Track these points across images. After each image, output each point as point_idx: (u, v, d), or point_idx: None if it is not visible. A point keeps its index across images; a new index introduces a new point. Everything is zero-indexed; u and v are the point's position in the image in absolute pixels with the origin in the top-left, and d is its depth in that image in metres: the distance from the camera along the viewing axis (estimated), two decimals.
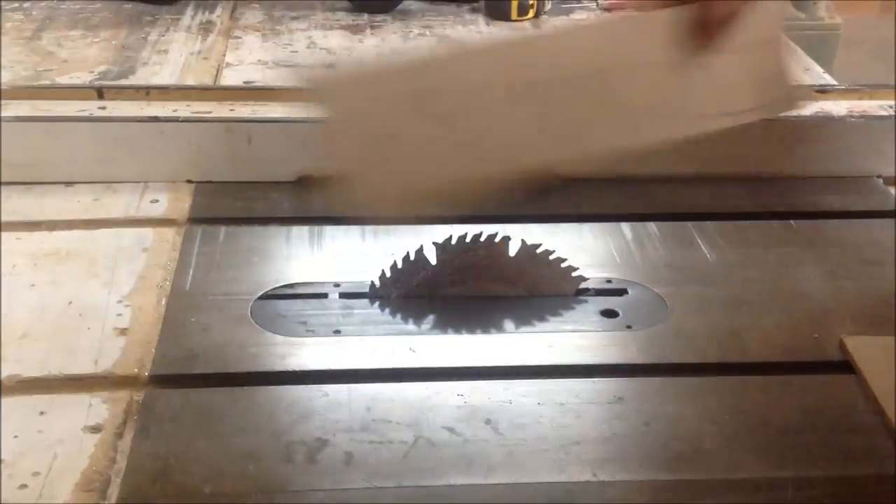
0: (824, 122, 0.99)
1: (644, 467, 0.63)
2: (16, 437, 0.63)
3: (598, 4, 1.46)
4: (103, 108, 0.96)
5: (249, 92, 1.01)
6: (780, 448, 0.65)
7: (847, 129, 0.99)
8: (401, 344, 0.74)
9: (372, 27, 1.37)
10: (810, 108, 1.02)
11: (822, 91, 1.06)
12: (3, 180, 0.91)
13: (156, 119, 0.93)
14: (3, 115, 0.94)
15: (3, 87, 1.00)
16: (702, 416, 0.68)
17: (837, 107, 1.02)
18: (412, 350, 0.73)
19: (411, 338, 0.75)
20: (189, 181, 0.94)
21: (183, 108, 0.96)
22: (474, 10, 1.43)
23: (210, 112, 0.96)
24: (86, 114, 0.94)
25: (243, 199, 0.92)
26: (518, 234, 0.85)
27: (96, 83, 1.08)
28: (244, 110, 0.97)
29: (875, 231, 0.90)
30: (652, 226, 0.91)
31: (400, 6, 1.42)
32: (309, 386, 0.69)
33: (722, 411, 0.68)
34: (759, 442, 0.65)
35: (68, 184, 0.92)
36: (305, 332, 0.75)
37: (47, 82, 1.10)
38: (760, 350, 0.74)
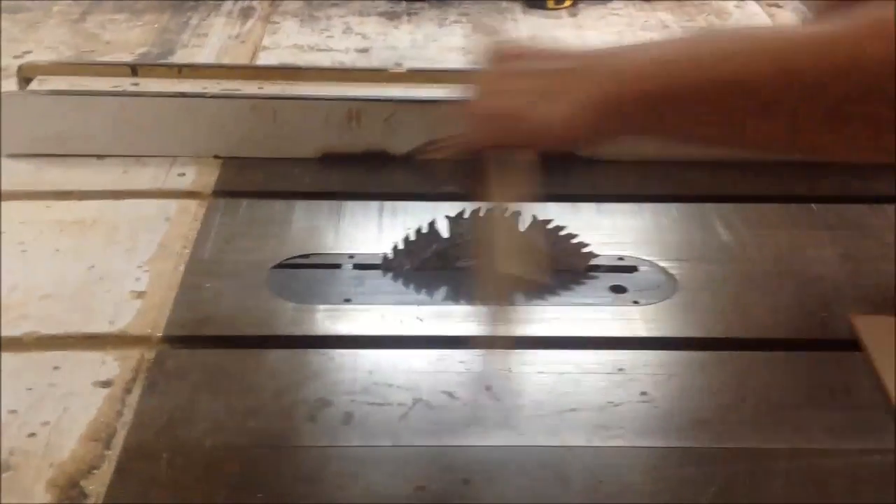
0: None
1: (637, 435, 0.64)
2: (29, 389, 0.66)
3: None
4: (136, 84, 0.99)
5: (278, 71, 1.03)
6: (777, 420, 0.65)
7: None
8: (409, 313, 0.75)
9: (409, 14, 1.38)
10: None
11: None
12: (38, 152, 0.94)
13: (184, 95, 0.95)
14: (39, 89, 0.97)
15: (44, 63, 1.03)
16: (700, 388, 0.68)
17: None
18: (419, 319, 0.75)
19: (420, 308, 0.76)
20: (216, 156, 0.96)
21: (212, 86, 0.99)
22: None
23: (238, 90, 0.98)
24: (118, 89, 0.97)
25: (267, 174, 0.94)
26: (535, 212, 0.87)
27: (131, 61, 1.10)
28: (272, 88, 0.99)
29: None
30: (671, 207, 0.91)
31: None
32: (316, 350, 0.71)
33: (721, 385, 0.68)
34: (755, 414, 0.66)
35: (99, 157, 0.95)
36: (317, 300, 0.76)
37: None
38: (766, 327, 0.74)
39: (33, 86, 0.99)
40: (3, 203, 0.87)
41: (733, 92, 0.58)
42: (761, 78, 0.58)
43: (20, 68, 1.00)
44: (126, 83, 0.99)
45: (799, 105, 0.58)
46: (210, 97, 0.96)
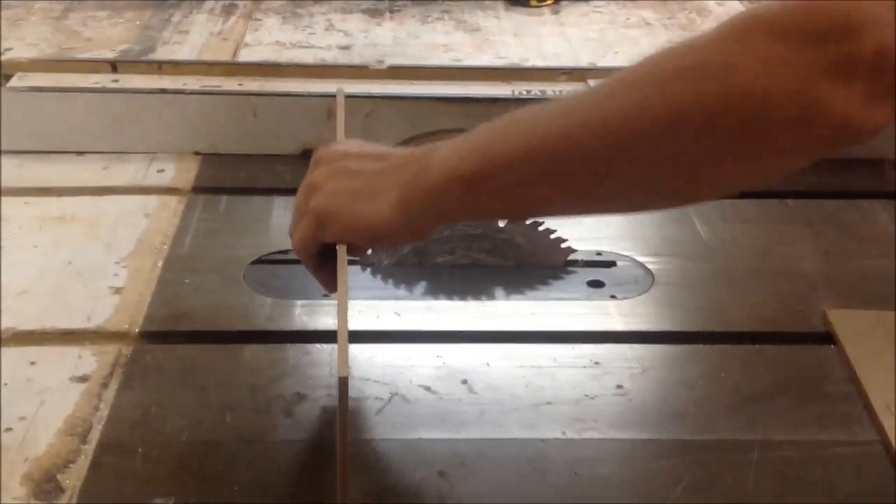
0: None
1: (612, 427, 0.64)
2: (6, 384, 0.66)
3: None
4: (116, 80, 0.99)
5: (258, 67, 1.03)
6: (751, 412, 0.65)
7: None
8: (386, 308, 0.75)
9: (392, 11, 1.38)
10: None
11: None
12: (18, 149, 0.94)
13: (164, 91, 0.95)
14: (19, 85, 0.97)
15: (24, 60, 1.03)
16: (675, 381, 0.69)
17: None
18: (397, 314, 0.75)
19: (398, 302, 0.76)
20: (196, 153, 0.96)
21: (193, 83, 0.99)
22: None
23: (218, 86, 0.98)
24: (98, 86, 0.97)
25: (248, 170, 0.95)
26: None
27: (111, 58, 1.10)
28: (252, 85, 0.99)
29: (874, 211, 0.90)
30: None
31: None
32: (293, 345, 0.71)
33: (696, 377, 0.69)
34: (729, 406, 0.66)
35: (80, 153, 0.95)
36: (295, 296, 0.76)
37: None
38: (742, 321, 0.74)
39: (13, 82, 0.99)
40: None
41: (533, 160, 0.57)
42: (548, 147, 0.56)
43: (0, 65, 1.00)
44: (106, 79, 0.99)
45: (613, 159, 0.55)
46: (190, 93, 0.96)
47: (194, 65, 1.03)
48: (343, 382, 0.52)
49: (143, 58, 1.12)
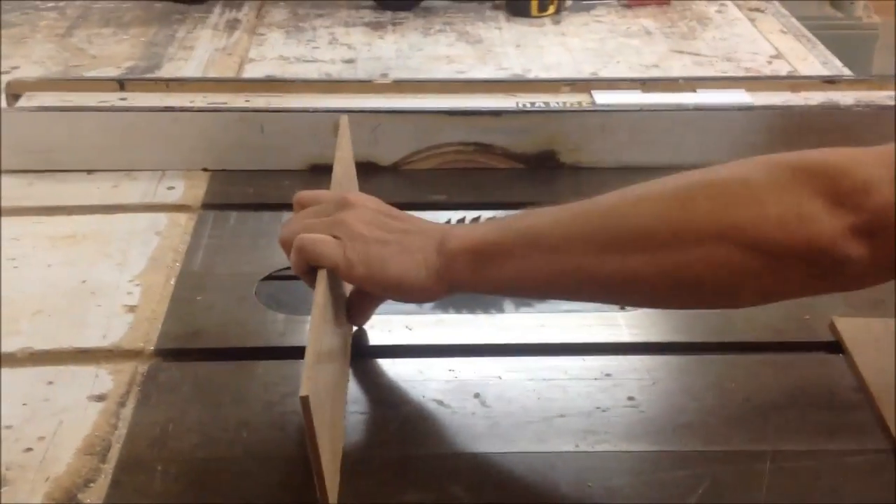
0: (831, 111, 1.00)
1: (625, 439, 0.65)
2: (24, 404, 0.67)
3: (618, 0, 1.47)
4: (124, 99, 1.00)
5: (264, 84, 1.04)
6: (761, 422, 0.66)
7: (853, 119, 0.99)
8: (398, 323, 0.76)
9: (394, 24, 1.39)
10: (817, 98, 1.03)
11: (831, 81, 1.06)
12: (28, 168, 0.95)
13: (171, 109, 0.96)
14: (27, 105, 0.98)
15: (31, 80, 1.04)
16: (685, 392, 0.69)
17: (845, 97, 1.03)
18: (408, 328, 0.76)
19: (408, 317, 0.77)
20: (205, 169, 0.97)
21: (200, 100, 1.00)
22: (496, 7, 1.45)
23: (225, 103, 0.99)
24: (107, 104, 0.98)
25: (256, 186, 0.95)
26: None
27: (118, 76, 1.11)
28: (258, 101, 1.00)
29: None
30: None
31: (423, 3, 1.44)
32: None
33: (705, 388, 0.69)
34: (739, 416, 0.67)
35: (89, 171, 0.96)
36: (306, 311, 0.77)
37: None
38: (749, 331, 0.75)
39: (22, 102, 1.00)
40: None
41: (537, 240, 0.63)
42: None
43: (8, 85, 1.01)
44: (114, 98, 1.00)
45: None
46: (198, 111, 0.97)
47: (201, 82, 1.04)
48: (304, 402, 0.53)
49: (151, 76, 1.13)
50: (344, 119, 0.81)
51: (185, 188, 0.94)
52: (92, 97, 1.00)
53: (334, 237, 0.66)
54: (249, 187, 0.95)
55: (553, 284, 0.64)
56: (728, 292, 0.61)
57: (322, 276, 0.64)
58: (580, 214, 0.64)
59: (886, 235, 0.56)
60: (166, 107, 0.97)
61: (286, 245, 0.68)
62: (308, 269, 0.66)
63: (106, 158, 0.96)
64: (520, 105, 1.02)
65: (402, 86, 1.04)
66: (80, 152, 0.96)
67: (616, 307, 0.78)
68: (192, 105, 0.98)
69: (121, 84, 1.02)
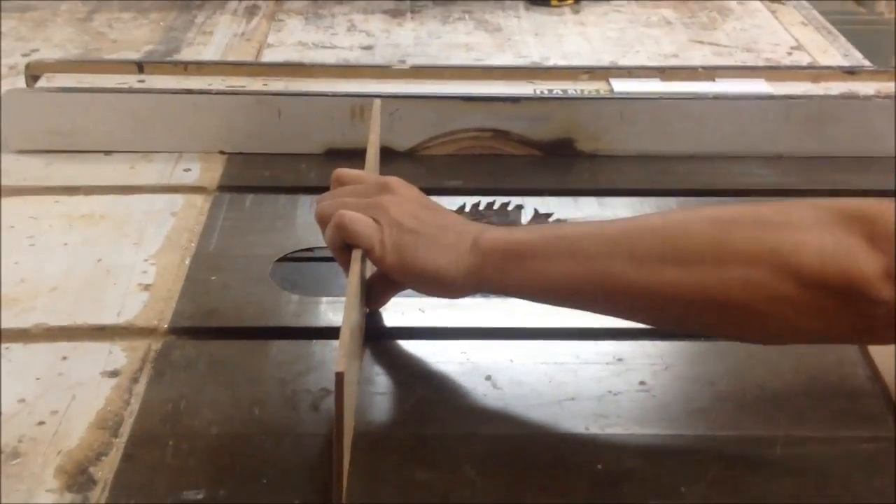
0: (850, 101, 0.99)
1: (636, 423, 0.65)
2: (38, 379, 0.67)
3: None
4: (142, 81, 1.00)
5: (282, 68, 1.04)
6: (773, 408, 0.66)
7: (874, 109, 0.99)
8: (411, 305, 0.76)
9: (413, 12, 1.39)
10: (837, 89, 1.03)
11: (852, 73, 1.06)
12: (47, 148, 0.96)
13: (189, 92, 0.96)
14: (47, 86, 0.99)
15: (51, 61, 1.04)
16: (698, 377, 0.69)
17: (866, 88, 1.02)
18: (421, 311, 0.76)
19: (421, 299, 0.76)
20: (221, 152, 0.97)
21: (218, 83, 1.00)
22: None
23: (243, 86, 0.99)
24: (125, 86, 0.98)
25: (272, 169, 0.96)
26: (536, 206, 0.88)
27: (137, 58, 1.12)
28: (277, 85, 1.00)
29: None
30: (671, 201, 0.92)
31: None
32: (319, 341, 0.72)
33: (719, 374, 0.69)
34: (752, 402, 0.67)
35: (107, 152, 0.96)
36: (320, 292, 0.77)
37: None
38: None
39: (41, 83, 1.00)
40: (13, 198, 0.88)
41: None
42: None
43: (28, 66, 1.02)
44: (133, 80, 1.00)
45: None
46: (215, 94, 0.97)
47: (219, 65, 1.04)
48: (339, 378, 0.53)
49: (169, 58, 1.14)
50: (377, 103, 0.81)
51: (202, 170, 0.94)
52: (111, 79, 1.00)
53: (373, 220, 0.66)
54: (266, 170, 0.95)
55: (583, 291, 0.64)
56: (758, 320, 0.60)
57: (357, 256, 0.65)
58: (621, 228, 0.64)
59: None
60: (184, 89, 0.97)
61: (323, 219, 0.68)
62: (342, 246, 0.67)
63: (123, 140, 0.96)
64: (537, 92, 1.02)
65: (419, 72, 1.04)
66: (97, 133, 0.96)
67: None
68: (210, 88, 0.98)
69: (139, 66, 1.02)
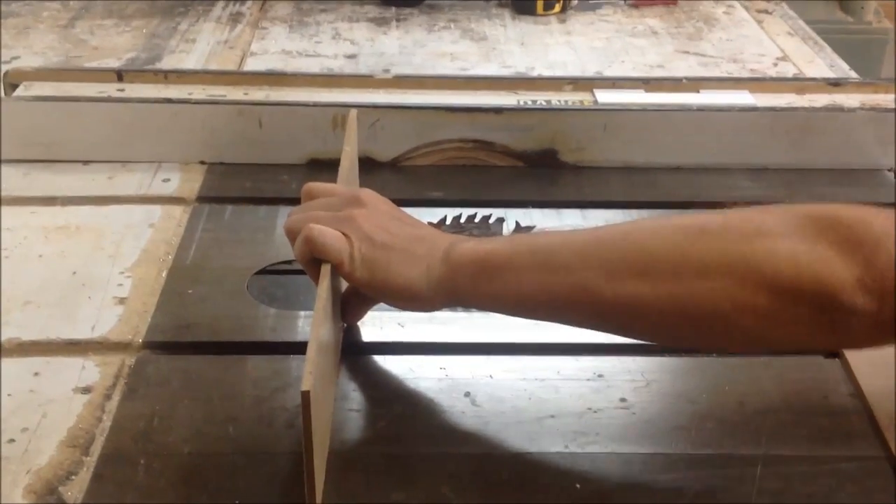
0: (835, 114, 0.99)
1: (616, 441, 0.64)
2: (9, 395, 0.66)
3: (625, 0, 1.46)
4: (122, 90, 0.99)
5: (264, 77, 1.03)
6: (755, 427, 0.65)
7: (858, 122, 0.98)
8: (390, 319, 0.75)
9: (398, 20, 1.39)
10: (822, 101, 1.02)
11: (836, 84, 1.05)
12: (24, 158, 0.95)
13: (169, 101, 0.95)
14: (25, 95, 0.97)
15: (29, 70, 1.03)
16: (679, 394, 0.68)
17: (850, 100, 1.02)
18: (400, 325, 0.75)
19: (400, 314, 0.76)
20: (202, 162, 0.96)
21: (198, 92, 0.99)
22: (501, 5, 1.44)
23: (224, 96, 0.98)
24: (104, 95, 0.97)
25: (253, 180, 0.94)
26: (518, 218, 0.87)
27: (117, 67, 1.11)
28: (257, 94, 0.99)
29: None
30: (655, 213, 0.92)
31: (427, 0, 1.44)
32: (296, 356, 0.71)
33: (699, 391, 0.68)
34: (733, 420, 0.66)
35: (85, 162, 0.95)
36: (298, 306, 0.76)
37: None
38: None
39: (19, 92, 0.99)
40: None
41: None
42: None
43: (6, 74, 1.01)
44: (112, 89, 0.99)
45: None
46: (196, 103, 0.96)
47: (200, 74, 1.03)
48: (305, 397, 0.52)
49: (149, 67, 1.13)
50: (353, 113, 0.80)
51: (181, 181, 0.93)
52: (90, 88, 0.99)
53: (343, 234, 0.65)
54: (246, 181, 0.94)
55: (556, 304, 0.63)
56: (730, 330, 0.59)
57: (326, 271, 0.64)
58: (592, 239, 0.63)
59: (892, 296, 0.56)
60: (164, 98, 0.96)
61: (291, 233, 0.68)
62: (311, 260, 0.66)
63: (102, 149, 0.95)
64: (521, 103, 1.01)
65: (402, 81, 1.03)
66: (76, 143, 0.95)
67: None
68: (190, 97, 0.97)
69: (119, 75, 1.01)
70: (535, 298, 0.63)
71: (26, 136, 0.95)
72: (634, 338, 0.66)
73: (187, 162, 0.96)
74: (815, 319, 0.57)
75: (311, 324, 0.58)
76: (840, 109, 0.99)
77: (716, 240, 0.60)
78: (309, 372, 0.54)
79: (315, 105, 0.96)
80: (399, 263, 0.65)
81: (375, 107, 0.96)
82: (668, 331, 0.62)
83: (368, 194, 0.69)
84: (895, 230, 0.57)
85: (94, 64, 1.17)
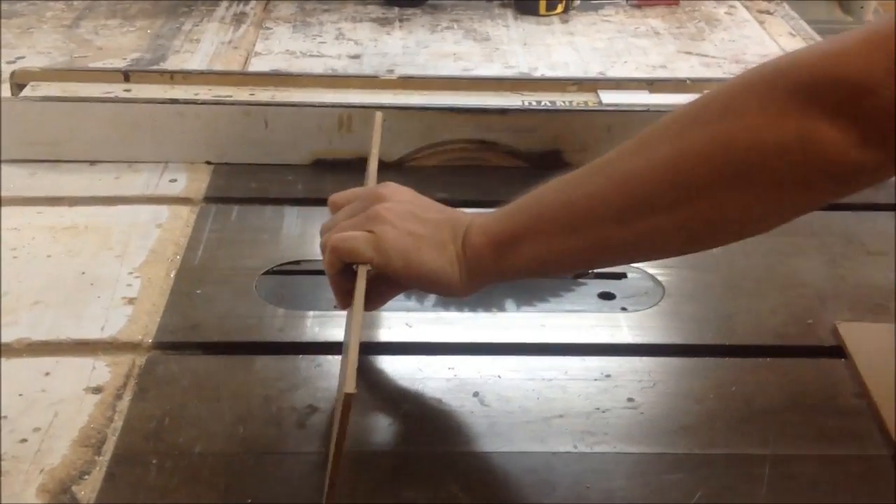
0: None
1: (623, 440, 0.64)
2: (20, 395, 0.66)
3: (627, 1, 1.47)
4: (128, 90, 0.99)
5: (269, 77, 1.04)
6: (762, 426, 0.66)
7: None
8: (398, 320, 0.76)
9: (401, 20, 1.39)
10: None
11: None
12: (31, 158, 0.95)
13: (176, 101, 0.96)
14: (32, 95, 0.98)
15: (36, 70, 1.03)
16: (686, 394, 0.69)
17: None
18: (408, 325, 0.75)
19: (409, 314, 0.77)
20: (208, 162, 0.96)
21: (204, 92, 0.99)
22: (503, 5, 1.44)
23: (230, 96, 0.99)
24: (111, 96, 0.98)
25: (259, 180, 0.95)
26: None
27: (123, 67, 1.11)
28: (263, 95, 1.00)
29: (880, 223, 0.90)
30: None
31: (431, 0, 1.44)
32: (304, 356, 0.71)
33: (706, 391, 0.69)
34: (740, 420, 0.66)
35: (92, 162, 0.96)
36: (306, 307, 0.77)
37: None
38: (752, 334, 0.75)
39: (26, 92, 0.99)
40: None
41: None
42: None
43: (13, 74, 1.01)
44: (118, 89, 1.00)
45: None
46: (202, 103, 0.96)
47: (206, 74, 1.03)
48: (348, 399, 0.53)
49: (155, 68, 1.13)
50: (378, 116, 0.81)
51: (188, 181, 0.94)
52: (96, 88, 0.99)
53: (370, 232, 0.65)
54: (252, 181, 0.95)
55: (578, 260, 0.64)
56: (750, 228, 0.61)
57: (362, 273, 0.64)
58: (588, 189, 0.62)
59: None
60: (170, 99, 0.96)
61: (324, 248, 0.68)
62: (342, 269, 0.66)
63: (109, 150, 0.96)
64: (526, 103, 1.01)
65: (407, 82, 1.04)
66: (83, 143, 0.95)
67: (616, 308, 0.78)
68: (196, 98, 0.97)
69: (125, 75, 1.01)
70: (554, 261, 0.64)
71: (33, 136, 0.95)
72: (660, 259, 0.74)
73: (193, 162, 0.96)
74: (831, 187, 0.57)
75: (352, 326, 0.59)
76: None
77: (706, 157, 0.57)
78: (352, 375, 0.54)
79: (321, 105, 0.97)
80: (430, 249, 0.64)
81: (381, 107, 0.97)
82: (688, 248, 0.64)
83: (388, 187, 0.69)
84: (879, 61, 0.52)
85: (99, 64, 1.17)
